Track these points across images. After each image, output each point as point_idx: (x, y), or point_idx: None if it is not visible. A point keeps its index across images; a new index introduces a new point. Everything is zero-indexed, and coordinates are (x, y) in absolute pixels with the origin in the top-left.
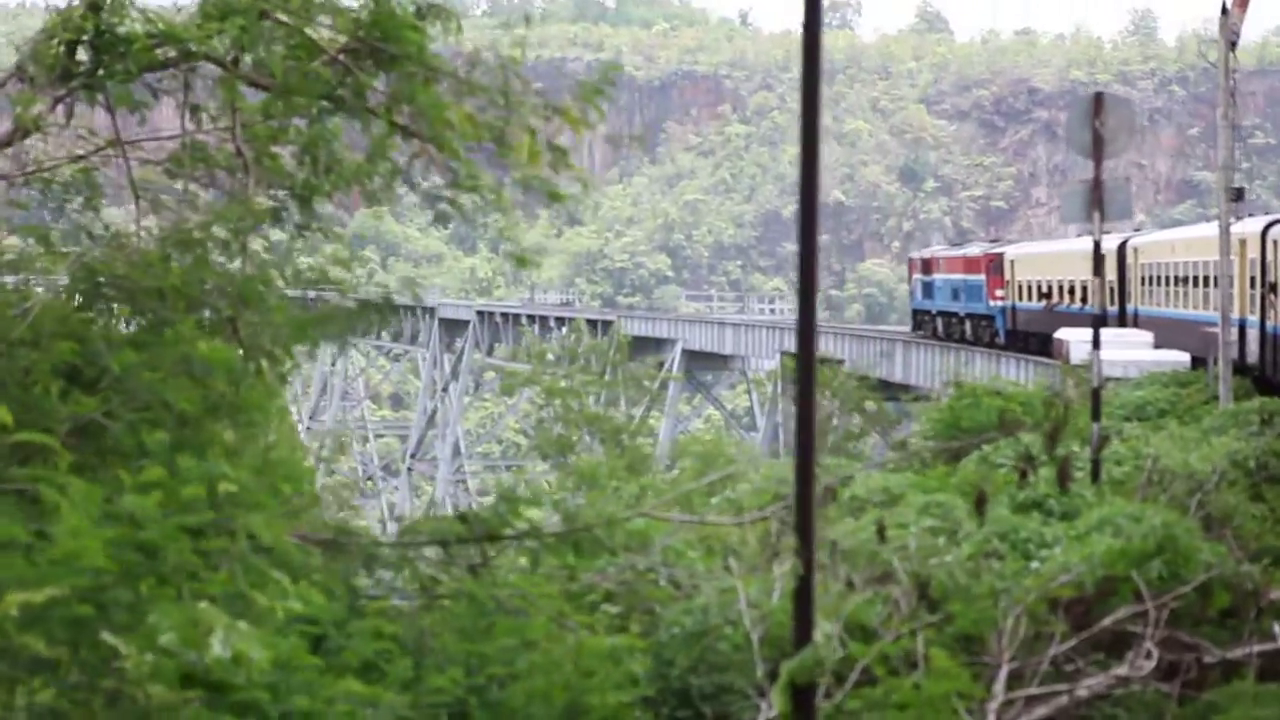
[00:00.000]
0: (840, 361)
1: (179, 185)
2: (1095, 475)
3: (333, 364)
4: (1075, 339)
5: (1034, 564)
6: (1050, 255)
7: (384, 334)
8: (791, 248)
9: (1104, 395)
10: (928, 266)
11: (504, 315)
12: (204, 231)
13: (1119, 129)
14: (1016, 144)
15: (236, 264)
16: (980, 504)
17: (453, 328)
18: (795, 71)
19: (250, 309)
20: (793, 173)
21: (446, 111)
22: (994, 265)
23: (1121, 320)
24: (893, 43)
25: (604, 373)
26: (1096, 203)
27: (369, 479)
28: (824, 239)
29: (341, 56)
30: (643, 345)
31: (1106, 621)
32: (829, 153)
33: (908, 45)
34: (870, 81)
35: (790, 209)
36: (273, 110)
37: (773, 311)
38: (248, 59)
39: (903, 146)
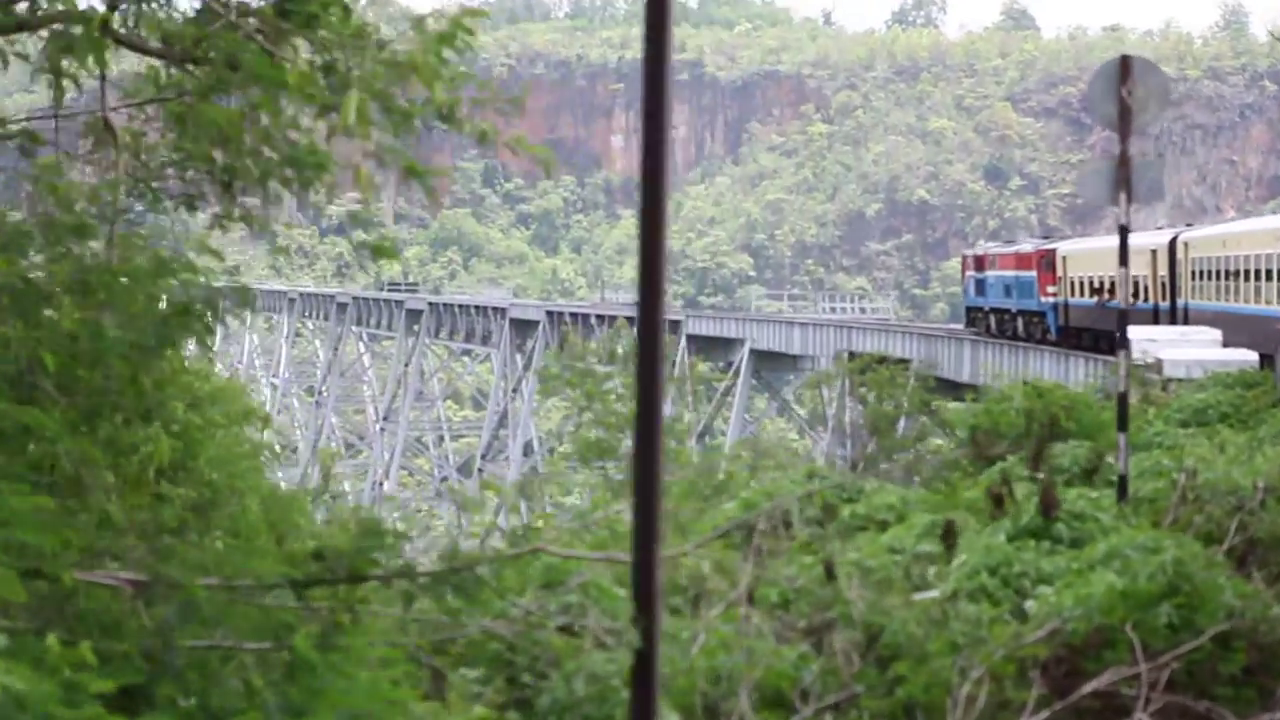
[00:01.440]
0: (906, 361)
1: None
2: (1121, 493)
3: (406, 364)
4: (1139, 336)
5: (1029, 603)
6: (1101, 251)
7: (455, 335)
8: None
9: (1163, 399)
10: (980, 264)
11: (573, 316)
12: (70, 215)
13: (1149, 97)
14: (1104, 141)
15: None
16: (948, 537)
17: (523, 328)
18: (879, 70)
19: (106, 301)
20: (876, 171)
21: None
22: (1045, 261)
23: (1172, 316)
24: (978, 40)
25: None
26: (1122, 182)
27: (444, 479)
28: (908, 238)
29: (250, 20)
30: (711, 345)
31: (1088, 688)
32: (912, 151)
33: (993, 42)
34: (955, 79)
35: (875, 208)
36: (154, 79)
37: (835, 311)
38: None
39: (988, 144)
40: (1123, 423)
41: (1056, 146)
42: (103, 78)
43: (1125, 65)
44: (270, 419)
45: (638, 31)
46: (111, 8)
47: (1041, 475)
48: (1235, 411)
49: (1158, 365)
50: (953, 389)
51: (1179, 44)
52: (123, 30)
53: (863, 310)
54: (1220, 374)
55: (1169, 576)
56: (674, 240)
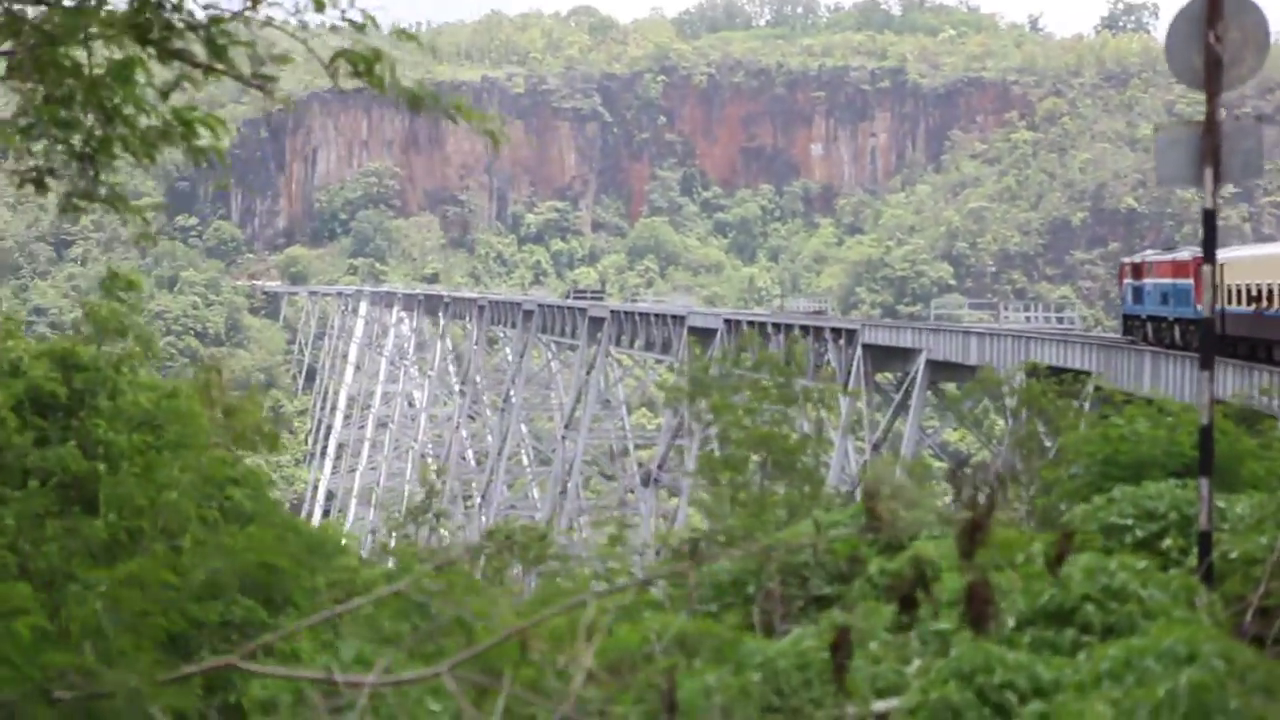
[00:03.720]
0: (1086, 373)
1: None
2: (1207, 576)
3: (588, 371)
4: None
5: None
6: (1260, 259)
7: (635, 343)
8: (1081, 255)
9: None
10: (1138, 271)
11: (750, 324)
12: None
13: (1245, 44)
14: None
15: None
16: (838, 653)
17: (703, 336)
18: (1087, 76)
19: None
20: (1083, 179)
21: None
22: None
23: None
24: None
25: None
26: (1210, 154)
27: (630, 491)
28: (1114, 246)
29: None
30: (889, 355)
31: None
32: (1121, 159)
33: None
34: (1166, 85)
35: (1080, 216)
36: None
37: (1028, 320)
38: None
39: None
40: (1206, 464)
41: (1272, 153)
42: None
43: (1214, 3)
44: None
45: (840, 39)
46: None
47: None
48: None
49: None
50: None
51: None
52: None
53: (1047, 319)
54: None
55: (1181, 706)
56: (872, 248)
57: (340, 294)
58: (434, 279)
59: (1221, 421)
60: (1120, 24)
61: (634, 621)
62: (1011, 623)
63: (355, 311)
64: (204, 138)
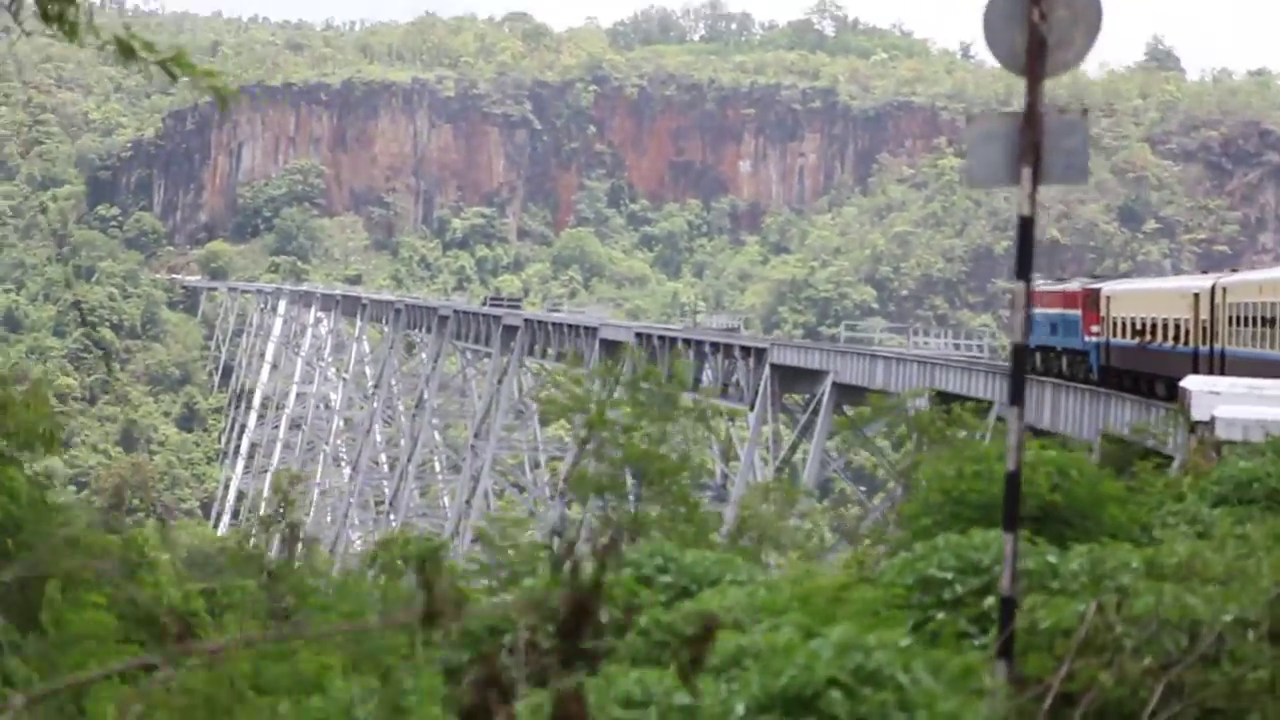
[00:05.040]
0: (989, 404)
1: None
2: (1005, 650)
3: (499, 380)
4: (1199, 387)
5: None
6: (1145, 292)
7: (549, 352)
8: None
9: (1204, 466)
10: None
11: (661, 339)
12: None
13: (1073, 25)
14: (1244, 187)
15: None
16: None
17: (615, 350)
18: (1015, 105)
19: None
20: (1006, 208)
21: None
22: (1090, 300)
23: (1210, 361)
24: (1119, 79)
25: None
26: (1029, 150)
27: (539, 505)
28: (1037, 276)
29: None
30: (796, 376)
31: None
32: (1045, 190)
33: (1134, 82)
34: (1093, 118)
35: (1004, 245)
36: None
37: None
38: None
39: (1124, 186)
40: (1010, 516)
41: (1195, 191)
42: None
43: None
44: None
45: (772, 57)
46: None
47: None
48: None
49: (1209, 424)
50: (1035, 437)
51: None
52: None
53: (957, 346)
54: (1279, 439)
55: None
56: (797, 268)
57: (260, 291)
58: (356, 280)
59: (1080, 462)
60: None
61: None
62: (741, 710)
63: (274, 310)
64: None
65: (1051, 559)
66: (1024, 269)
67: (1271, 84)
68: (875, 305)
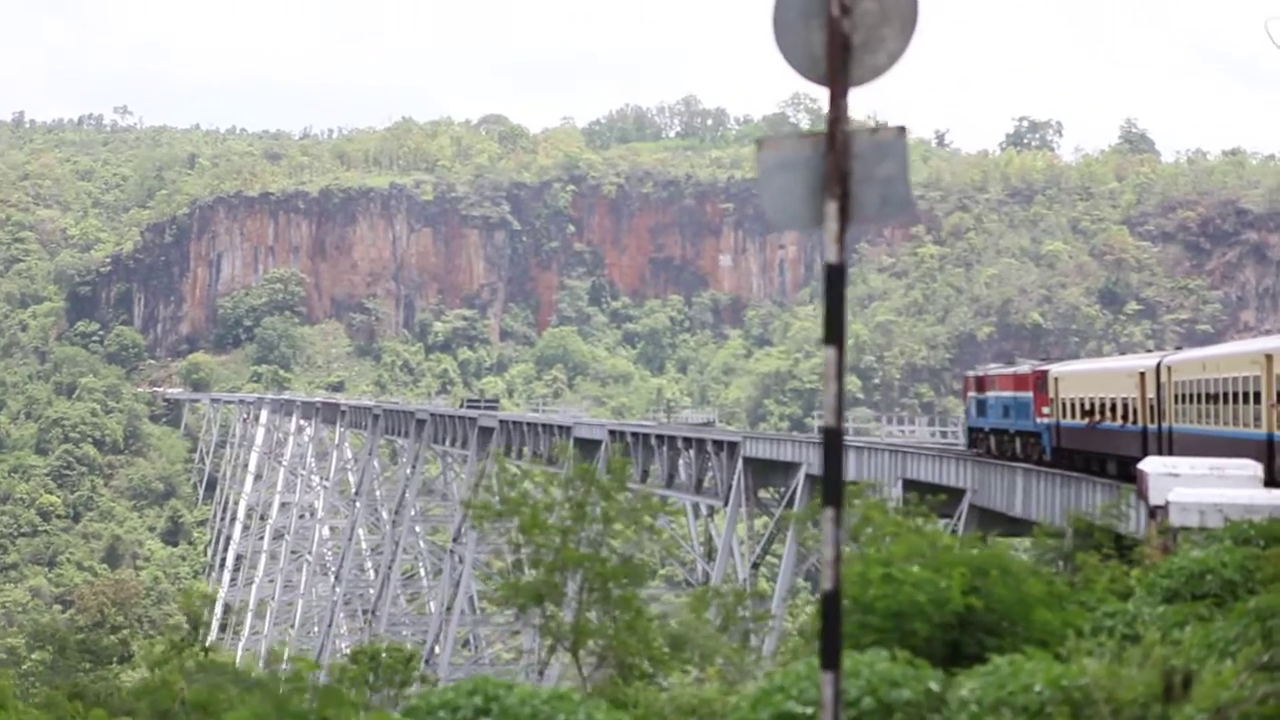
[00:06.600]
0: (961, 491)
1: None
2: None
3: (477, 483)
4: (1156, 469)
5: None
6: (1092, 373)
7: (525, 452)
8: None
9: (1155, 556)
10: (981, 384)
11: (634, 435)
12: None
13: (883, 22)
14: (1224, 266)
15: None
16: None
17: (589, 448)
18: (993, 192)
19: None
20: (988, 294)
21: None
22: (1040, 382)
23: (1159, 439)
24: (1094, 163)
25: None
26: (835, 182)
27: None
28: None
29: None
30: (770, 469)
31: None
32: (1026, 274)
33: (1110, 165)
34: (1070, 202)
35: (986, 331)
36: None
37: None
38: None
39: (1103, 268)
40: (830, 655)
41: (1174, 271)
42: None
43: None
44: None
45: (748, 150)
46: None
47: None
48: (1245, 580)
49: (1164, 508)
50: (1009, 524)
51: None
52: None
53: (933, 433)
54: (1238, 524)
55: None
56: (780, 360)
57: (242, 401)
58: (339, 387)
59: (1002, 560)
60: (1025, 141)
61: None
62: None
63: (257, 419)
64: None
65: (934, 686)
66: (834, 332)
67: (1246, 163)
68: (860, 395)
